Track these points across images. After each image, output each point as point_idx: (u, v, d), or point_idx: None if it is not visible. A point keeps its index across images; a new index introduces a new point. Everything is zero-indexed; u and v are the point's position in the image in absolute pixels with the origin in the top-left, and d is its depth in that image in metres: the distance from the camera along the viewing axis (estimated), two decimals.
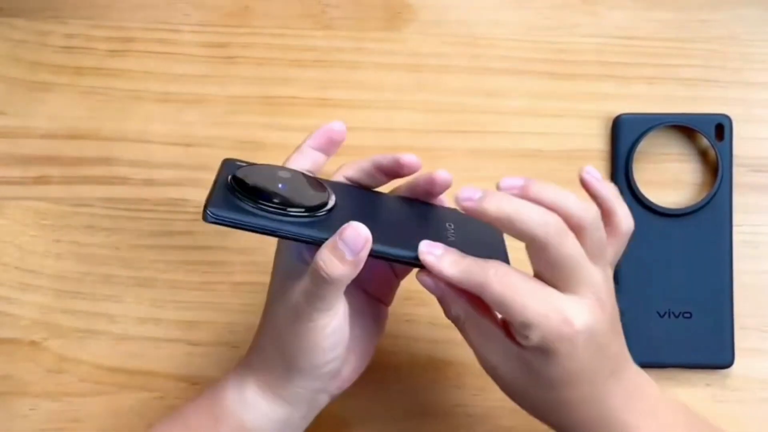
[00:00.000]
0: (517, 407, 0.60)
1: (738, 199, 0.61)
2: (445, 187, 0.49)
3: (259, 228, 0.44)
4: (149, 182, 0.62)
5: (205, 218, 0.44)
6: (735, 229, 0.61)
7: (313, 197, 0.46)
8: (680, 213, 0.60)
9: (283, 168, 0.49)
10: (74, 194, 0.62)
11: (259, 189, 0.46)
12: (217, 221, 0.44)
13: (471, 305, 0.46)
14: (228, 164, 0.48)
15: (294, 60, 0.62)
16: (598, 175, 0.48)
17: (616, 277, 0.60)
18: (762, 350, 0.61)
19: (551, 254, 0.43)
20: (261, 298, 0.60)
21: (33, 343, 0.61)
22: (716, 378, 0.60)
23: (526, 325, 0.43)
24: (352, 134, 0.62)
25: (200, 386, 0.60)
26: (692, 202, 0.61)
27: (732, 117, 0.61)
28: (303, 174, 0.49)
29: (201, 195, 0.61)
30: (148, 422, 0.60)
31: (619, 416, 0.45)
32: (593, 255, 0.44)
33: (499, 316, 0.46)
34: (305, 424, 0.50)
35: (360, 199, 0.50)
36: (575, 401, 0.45)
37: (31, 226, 0.61)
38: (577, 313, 0.43)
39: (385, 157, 0.49)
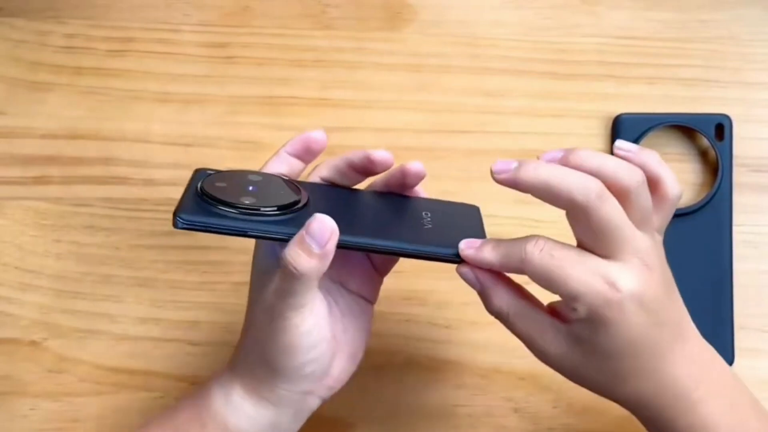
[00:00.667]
0: (517, 407, 0.60)
1: (738, 199, 0.61)
2: (419, 178, 0.49)
3: (230, 229, 0.44)
4: (149, 182, 0.62)
5: (175, 224, 0.44)
6: (735, 229, 0.61)
7: (285, 196, 0.46)
8: (680, 213, 0.60)
9: (254, 172, 0.48)
10: (74, 194, 0.62)
11: (228, 191, 0.45)
12: (188, 227, 0.44)
13: (514, 295, 0.45)
14: (198, 173, 0.48)
15: (294, 60, 0.62)
16: (633, 147, 0.46)
17: None
18: (762, 350, 0.61)
19: (592, 219, 0.42)
20: None
21: (33, 343, 0.61)
22: None
23: (572, 296, 0.42)
24: (352, 134, 0.62)
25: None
26: (692, 202, 0.61)
27: (732, 117, 0.61)
28: (276, 176, 0.49)
29: None
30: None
31: (683, 389, 0.44)
32: (639, 221, 0.43)
33: (545, 303, 0.46)
34: (295, 427, 0.49)
35: (334, 196, 0.50)
36: (636, 372, 0.44)
37: (31, 226, 0.61)
38: (623, 277, 0.42)
39: (356, 155, 0.48)
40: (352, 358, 0.50)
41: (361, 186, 0.51)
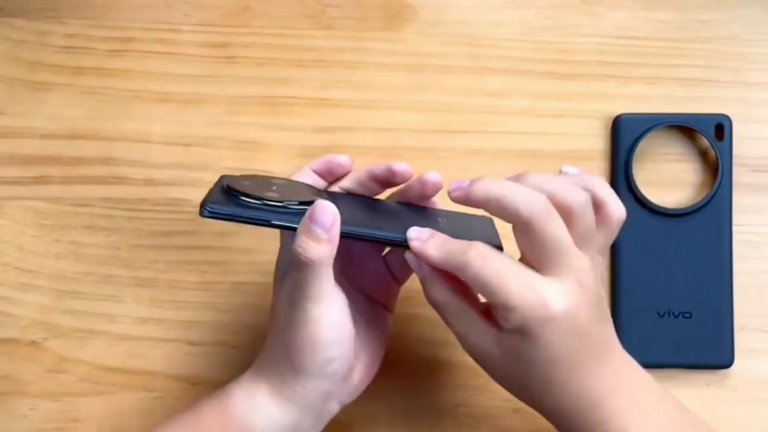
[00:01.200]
0: (517, 407, 0.60)
1: (738, 199, 0.61)
2: (437, 188, 0.50)
3: (254, 219, 0.46)
4: (149, 182, 0.62)
5: (201, 213, 0.46)
6: (735, 229, 0.61)
7: (306, 194, 0.48)
8: (680, 213, 0.60)
9: (277, 178, 0.51)
10: (74, 194, 0.62)
11: (253, 188, 0.48)
12: (214, 215, 0.46)
13: (453, 290, 0.47)
14: (224, 177, 0.50)
15: (294, 60, 0.62)
16: (578, 171, 0.49)
17: (617, 277, 0.60)
18: (762, 350, 0.61)
19: (536, 234, 0.43)
20: (261, 298, 0.61)
21: (33, 343, 0.61)
22: (716, 378, 0.60)
23: (505, 307, 0.44)
24: (352, 134, 0.62)
25: (200, 386, 0.60)
26: (692, 202, 0.61)
27: (732, 117, 0.61)
28: (298, 181, 0.51)
29: (201, 195, 0.61)
30: (148, 422, 0.60)
31: (601, 399, 0.45)
32: (580, 241, 0.45)
33: (481, 300, 0.47)
34: (317, 431, 0.50)
35: (354, 200, 0.51)
36: (556, 382, 0.45)
37: (31, 226, 0.61)
38: (556, 295, 0.43)
39: (378, 167, 0.50)
40: (372, 365, 0.51)
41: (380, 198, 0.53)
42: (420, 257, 0.46)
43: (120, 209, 0.62)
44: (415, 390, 0.60)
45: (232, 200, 0.47)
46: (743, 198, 0.61)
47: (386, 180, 0.50)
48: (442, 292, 0.47)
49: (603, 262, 0.47)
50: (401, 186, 0.51)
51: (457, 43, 0.63)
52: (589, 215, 0.45)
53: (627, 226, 0.60)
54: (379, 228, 0.47)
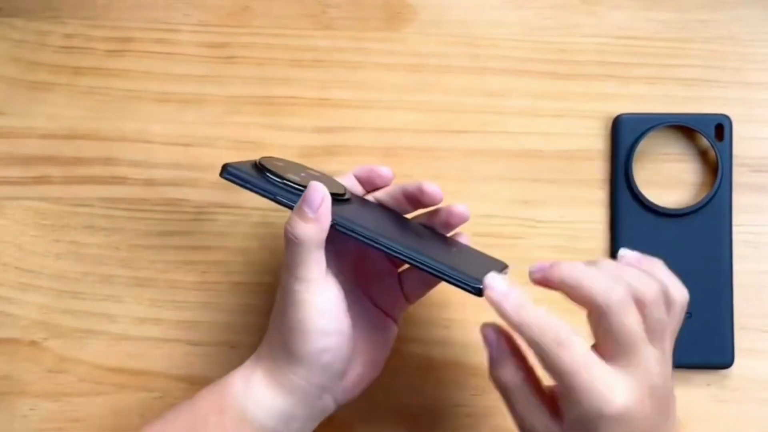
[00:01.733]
0: None
1: (738, 199, 0.61)
2: (462, 219, 0.51)
3: (263, 191, 0.47)
4: (149, 182, 0.62)
5: (221, 173, 0.47)
6: (735, 229, 0.61)
7: (331, 187, 0.49)
8: (680, 213, 0.60)
9: (316, 170, 0.52)
10: (74, 194, 0.62)
11: (281, 168, 0.49)
12: (230, 177, 0.47)
13: (522, 373, 0.45)
14: (264, 157, 0.51)
15: (294, 60, 0.62)
16: (635, 255, 0.47)
17: None
18: (762, 350, 0.61)
19: (610, 324, 0.43)
20: (261, 298, 0.61)
21: (33, 343, 0.61)
22: (716, 378, 0.60)
23: (570, 395, 0.42)
24: (352, 134, 0.62)
25: (200, 386, 0.60)
26: (692, 202, 0.61)
27: (732, 117, 0.61)
28: (334, 179, 0.52)
29: (201, 195, 0.62)
30: (148, 422, 0.59)
31: None
32: (651, 334, 0.44)
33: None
34: (309, 426, 0.50)
35: (377, 209, 0.52)
36: None
37: (31, 226, 0.61)
38: (621, 390, 0.42)
39: (410, 183, 0.51)
40: (371, 370, 0.51)
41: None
42: (495, 304, 0.44)
43: (120, 209, 0.62)
44: (414, 390, 0.60)
45: (255, 172, 0.48)
46: (743, 198, 0.61)
47: (415, 197, 0.51)
48: (512, 375, 0.45)
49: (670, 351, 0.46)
50: (426, 210, 0.52)
51: (457, 43, 0.63)
52: (662, 310, 0.44)
53: (627, 226, 0.60)
54: (395, 241, 0.47)
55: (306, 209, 0.46)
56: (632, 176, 0.60)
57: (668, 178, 0.62)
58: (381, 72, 0.62)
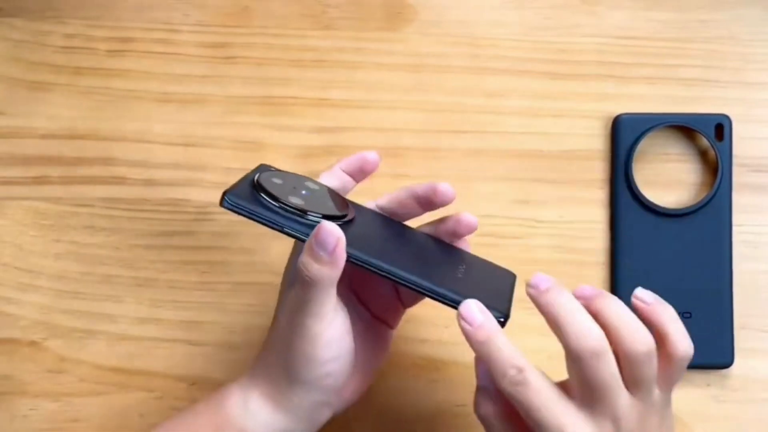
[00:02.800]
0: None
1: (738, 199, 0.61)
2: (470, 229, 0.50)
3: (269, 221, 0.45)
4: (149, 182, 0.62)
5: (221, 203, 0.45)
6: (735, 229, 0.61)
7: (333, 208, 0.47)
8: (680, 213, 0.60)
9: (312, 180, 0.50)
10: (74, 194, 0.62)
11: (281, 189, 0.47)
12: (232, 208, 0.45)
13: (504, 410, 0.45)
14: (260, 167, 0.49)
15: (294, 60, 0.62)
16: (649, 298, 0.46)
17: (617, 277, 0.60)
18: (762, 350, 0.61)
19: (581, 370, 0.42)
20: (261, 298, 0.61)
21: (33, 343, 0.61)
22: (716, 378, 0.60)
23: (536, 428, 0.43)
24: (352, 134, 0.62)
25: (200, 386, 0.60)
26: (692, 202, 0.61)
27: (732, 117, 0.61)
28: (331, 189, 0.50)
29: (201, 195, 0.62)
30: (148, 422, 0.60)
31: None
32: (632, 384, 0.43)
33: None
34: None
35: (381, 223, 0.51)
36: None
37: (31, 226, 0.61)
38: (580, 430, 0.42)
39: (420, 185, 0.50)
40: (369, 376, 0.51)
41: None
42: (464, 331, 0.44)
43: (120, 209, 0.62)
44: (414, 390, 0.60)
45: (255, 197, 0.46)
46: (743, 198, 0.61)
47: (427, 199, 0.49)
48: (494, 412, 0.45)
49: (670, 400, 0.46)
50: (435, 220, 0.51)
51: (457, 43, 0.63)
52: (651, 364, 0.43)
53: (627, 226, 0.60)
54: (404, 268, 0.46)
55: (321, 253, 0.44)
56: (632, 176, 0.60)
57: (668, 178, 0.62)
58: (381, 72, 0.62)
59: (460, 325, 0.44)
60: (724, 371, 0.60)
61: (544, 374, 0.43)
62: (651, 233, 0.60)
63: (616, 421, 0.43)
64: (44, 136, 0.62)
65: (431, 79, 0.62)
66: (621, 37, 0.62)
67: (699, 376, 0.60)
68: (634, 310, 0.45)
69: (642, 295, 0.46)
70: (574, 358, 0.42)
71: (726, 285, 0.60)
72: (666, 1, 0.63)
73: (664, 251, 0.60)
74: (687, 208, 0.60)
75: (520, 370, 0.42)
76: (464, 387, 0.60)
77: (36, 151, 0.62)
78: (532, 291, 0.44)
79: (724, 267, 0.60)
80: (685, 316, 0.60)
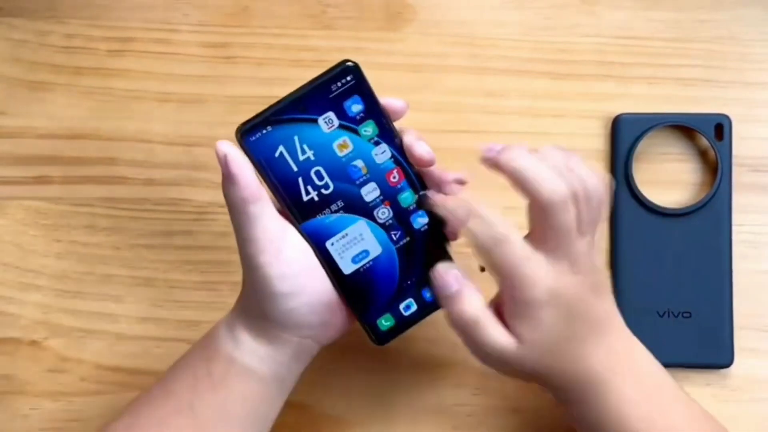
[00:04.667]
0: (517, 407, 0.60)
1: (738, 199, 0.61)
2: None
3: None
4: (149, 182, 0.62)
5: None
6: (735, 229, 0.61)
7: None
8: (680, 213, 0.60)
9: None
10: (74, 194, 0.62)
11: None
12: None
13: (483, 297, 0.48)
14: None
15: (294, 60, 0.62)
16: (561, 150, 0.48)
17: (617, 277, 0.60)
18: (762, 350, 0.61)
19: (552, 221, 0.45)
20: None
21: (33, 342, 0.61)
22: (716, 378, 0.60)
23: (507, 283, 0.46)
24: None
25: None
26: (692, 202, 0.61)
27: (732, 117, 0.61)
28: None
29: (201, 195, 0.62)
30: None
31: (597, 376, 0.47)
32: (581, 227, 0.46)
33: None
34: (298, 366, 0.51)
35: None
36: (556, 358, 0.47)
37: (31, 226, 0.61)
38: (550, 276, 0.45)
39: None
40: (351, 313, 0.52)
41: None
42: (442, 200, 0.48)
43: (120, 209, 0.62)
44: (415, 389, 0.60)
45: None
46: (743, 198, 0.61)
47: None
48: (479, 303, 0.47)
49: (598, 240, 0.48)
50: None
51: (457, 43, 0.63)
52: (594, 202, 0.46)
53: (627, 226, 0.60)
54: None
55: (223, 172, 0.47)
56: (632, 176, 0.60)
57: (668, 178, 0.62)
58: (381, 72, 0.62)
59: (432, 204, 0.48)
60: (724, 371, 0.60)
61: (516, 229, 0.46)
62: (651, 233, 0.60)
63: (574, 263, 0.46)
64: (44, 136, 0.62)
65: (431, 79, 0.62)
66: (621, 37, 0.62)
67: (699, 376, 0.60)
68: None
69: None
70: (545, 207, 0.45)
71: (726, 285, 0.60)
72: (666, 1, 0.63)
73: (664, 251, 0.60)
74: (687, 208, 0.60)
75: (498, 229, 0.45)
76: (465, 386, 0.60)
77: (36, 151, 0.62)
78: (490, 154, 0.46)
79: (724, 267, 0.60)
80: (684, 316, 0.60)
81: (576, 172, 0.46)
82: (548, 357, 0.47)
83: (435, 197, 0.49)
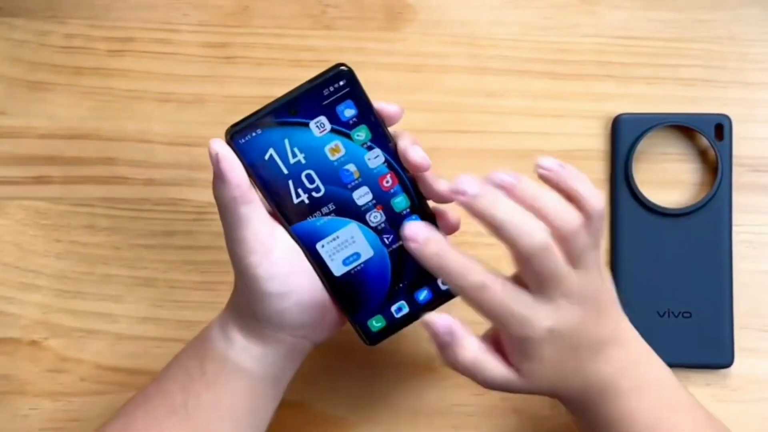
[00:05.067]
0: (517, 407, 0.60)
1: (738, 199, 0.61)
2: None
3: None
4: (149, 182, 0.62)
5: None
6: (735, 229, 0.61)
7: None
8: (680, 213, 0.60)
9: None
10: (74, 194, 0.62)
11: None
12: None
13: (479, 340, 0.47)
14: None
15: (294, 60, 0.62)
16: (553, 163, 0.46)
17: (617, 277, 0.60)
18: (762, 350, 0.61)
19: (534, 267, 0.43)
20: None
21: (33, 342, 0.61)
22: (716, 378, 0.60)
23: (501, 326, 0.45)
24: None
25: None
26: (692, 202, 0.61)
27: (732, 117, 0.61)
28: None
29: (201, 195, 0.62)
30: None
31: (607, 383, 0.46)
32: (575, 260, 0.44)
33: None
34: (292, 365, 0.51)
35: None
36: (564, 373, 0.46)
37: (31, 226, 0.61)
38: (544, 315, 0.44)
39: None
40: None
41: None
42: (416, 252, 0.44)
43: (120, 209, 0.62)
44: (415, 390, 0.60)
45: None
46: (743, 198, 0.61)
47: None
48: (476, 347, 0.46)
49: (601, 255, 0.47)
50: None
51: (457, 43, 0.63)
52: (584, 236, 0.44)
53: (627, 226, 0.60)
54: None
55: (214, 171, 0.47)
56: (632, 176, 0.60)
57: (668, 178, 0.62)
58: (381, 72, 0.62)
59: (407, 246, 0.44)
60: (724, 371, 0.60)
61: (497, 272, 0.44)
62: (651, 233, 0.60)
63: (569, 297, 0.44)
64: (44, 136, 0.62)
65: (431, 79, 0.62)
66: (621, 37, 0.62)
67: (699, 376, 0.60)
68: (542, 179, 0.46)
69: (545, 162, 0.46)
70: (526, 256, 0.43)
71: (726, 285, 0.60)
72: (666, 1, 0.63)
73: (664, 251, 0.60)
74: (687, 208, 0.60)
75: (476, 276, 0.44)
76: (464, 387, 0.60)
77: (36, 151, 0.62)
78: (462, 198, 0.43)
79: (724, 267, 0.60)
80: (684, 316, 0.60)
81: (556, 208, 0.44)
82: (553, 381, 0.46)
83: (408, 246, 0.44)
